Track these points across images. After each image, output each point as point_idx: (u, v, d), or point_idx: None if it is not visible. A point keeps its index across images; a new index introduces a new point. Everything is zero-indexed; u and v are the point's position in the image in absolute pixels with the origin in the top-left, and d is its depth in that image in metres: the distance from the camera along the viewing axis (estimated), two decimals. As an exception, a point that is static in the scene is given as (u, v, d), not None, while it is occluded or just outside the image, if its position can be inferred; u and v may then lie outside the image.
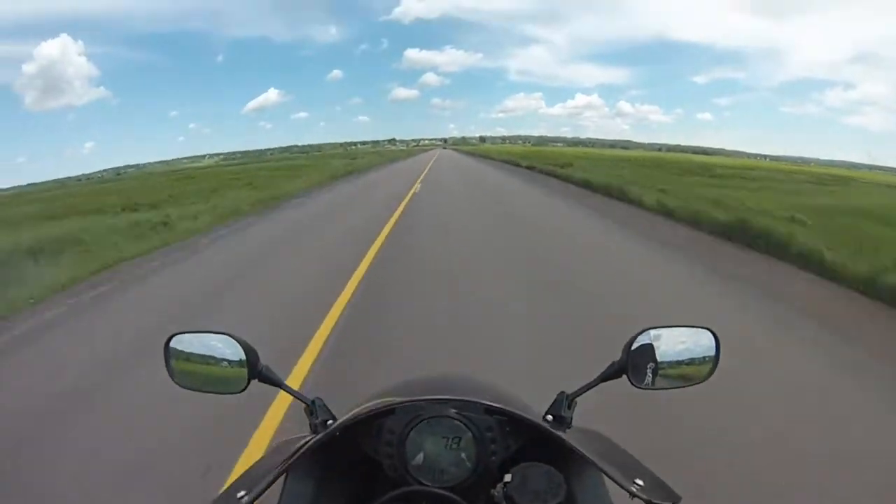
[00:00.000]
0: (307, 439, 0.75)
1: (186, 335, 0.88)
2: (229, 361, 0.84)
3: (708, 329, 0.85)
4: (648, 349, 0.81)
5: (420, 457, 0.74)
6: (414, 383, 0.89)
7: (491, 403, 0.75)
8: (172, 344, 0.87)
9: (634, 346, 0.81)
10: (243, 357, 0.83)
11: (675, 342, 0.83)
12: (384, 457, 0.75)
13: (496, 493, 0.68)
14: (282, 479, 0.73)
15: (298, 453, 0.71)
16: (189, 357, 0.87)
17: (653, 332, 0.82)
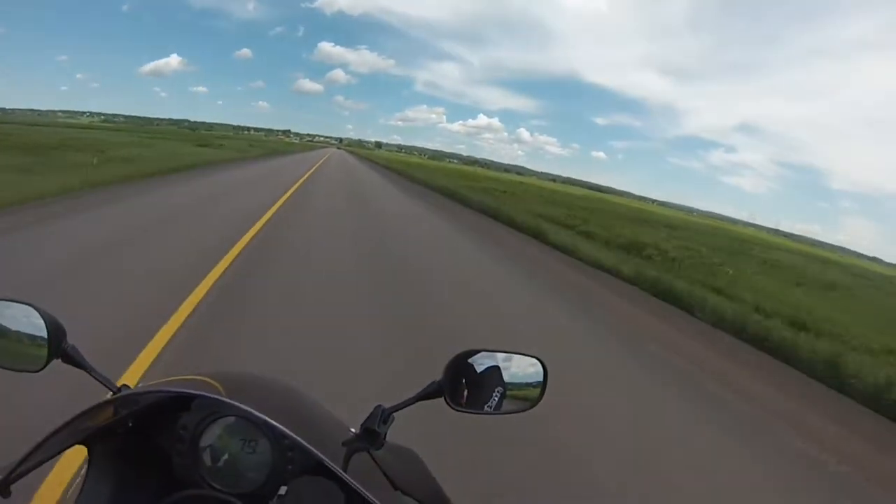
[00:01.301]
0: (83, 411, 0.64)
1: None
2: (28, 336, 0.75)
3: (536, 357, 0.81)
4: (470, 371, 0.76)
5: (221, 458, 0.70)
6: (216, 376, 0.79)
7: (270, 421, 0.64)
8: None
9: (455, 367, 0.76)
10: (45, 333, 0.74)
11: (500, 366, 0.78)
12: (175, 454, 0.71)
13: None
14: (83, 471, 0.69)
15: (65, 426, 0.60)
16: None
17: (478, 354, 0.77)
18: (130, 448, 0.72)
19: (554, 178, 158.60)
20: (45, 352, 0.74)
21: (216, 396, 0.68)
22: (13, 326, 0.75)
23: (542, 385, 0.80)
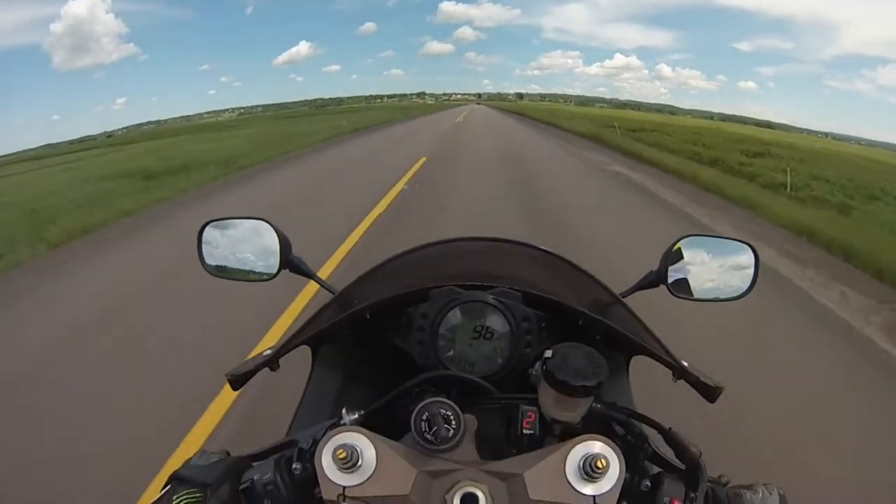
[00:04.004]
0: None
1: (222, 221, 0.86)
2: (261, 249, 0.84)
3: (748, 244, 0.82)
4: (686, 259, 0.79)
5: (450, 347, 0.71)
6: (453, 258, 0.81)
7: (532, 290, 0.70)
8: (207, 230, 0.86)
9: (672, 255, 0.79)
10: (277, 245, 0.82)
11: (714, 253, 0.81)
12: (414, 344, 0.72)
13: (534, 372, 0.62)
14: (309, 364, 0.74)
15: (327, 324, 0.68)
16: (222, 244, 0.86)
17: (690, 240, 0.80)
18: (355, 344, 0.75)
19: (711, 116, 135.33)
20: (275, 262, 0.82)
21: (463, 283, 0.69)
22: (249, 240, 0.84)
23: (754, 271, 0.81)
